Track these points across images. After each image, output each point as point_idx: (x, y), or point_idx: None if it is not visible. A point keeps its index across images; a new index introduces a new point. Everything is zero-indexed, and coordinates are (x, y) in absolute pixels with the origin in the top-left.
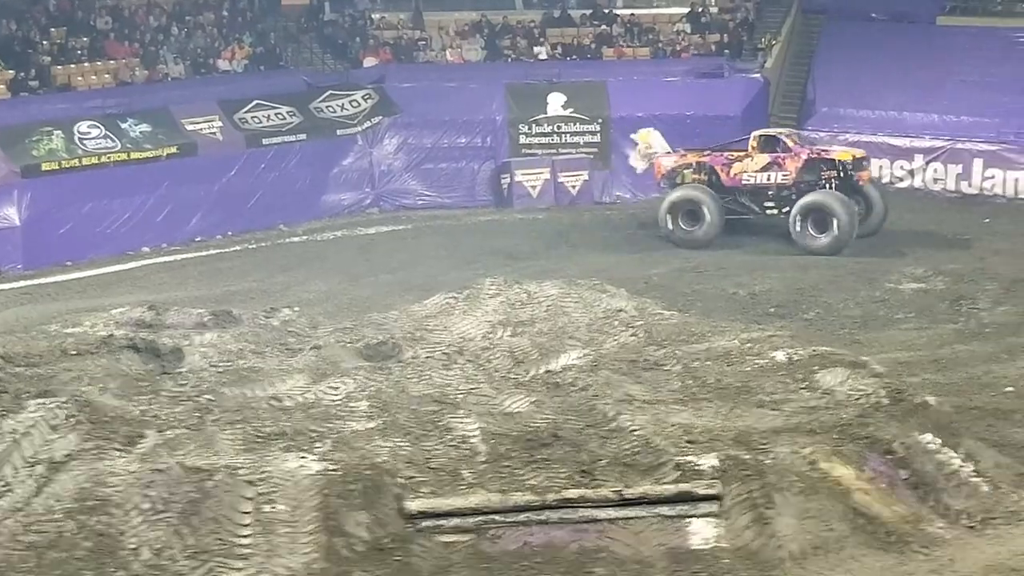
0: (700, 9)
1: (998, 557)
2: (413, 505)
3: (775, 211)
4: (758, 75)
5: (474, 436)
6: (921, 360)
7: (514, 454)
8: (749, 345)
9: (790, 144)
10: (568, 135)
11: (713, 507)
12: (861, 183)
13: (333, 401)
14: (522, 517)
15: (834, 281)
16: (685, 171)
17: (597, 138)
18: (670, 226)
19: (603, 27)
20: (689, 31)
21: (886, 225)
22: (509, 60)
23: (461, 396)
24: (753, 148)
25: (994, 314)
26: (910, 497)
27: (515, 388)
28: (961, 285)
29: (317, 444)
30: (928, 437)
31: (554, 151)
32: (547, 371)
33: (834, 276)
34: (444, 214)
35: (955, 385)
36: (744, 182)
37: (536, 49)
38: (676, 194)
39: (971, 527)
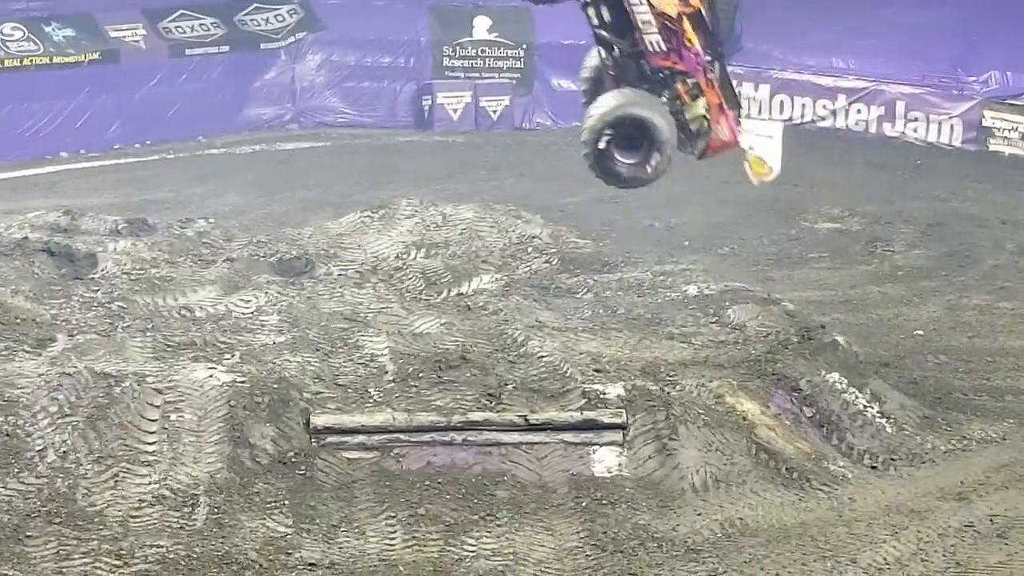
0: None
1: (899, 498)
2: (319, 420)
3: None
4: None
5: (383, 355)
6: (832, 300)
7: (422, 375)
8: (662, 278)
9: None
10: (492, 59)
11: (617, 436)
12: None
13: (244, 314)
14: (427, 437)
15: (750, 217)
16: None
17: (520, 64)
18: None
19: None
20: None
21: None
22: None
23: (372, 315)
24: None
25: (908, 257)
26: (814, 435)
27: (426, 309)
28: (876, 227)
29: (226, 355)
30: (835, 376)
31: (477, 75)
32: (459, 294)
33: (751, 212)
34: (364, 133)
35: (865, 326)
36: None
37: None
38: None
39: (873, 467)
